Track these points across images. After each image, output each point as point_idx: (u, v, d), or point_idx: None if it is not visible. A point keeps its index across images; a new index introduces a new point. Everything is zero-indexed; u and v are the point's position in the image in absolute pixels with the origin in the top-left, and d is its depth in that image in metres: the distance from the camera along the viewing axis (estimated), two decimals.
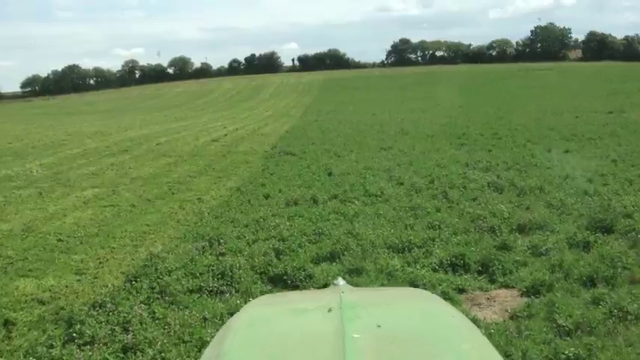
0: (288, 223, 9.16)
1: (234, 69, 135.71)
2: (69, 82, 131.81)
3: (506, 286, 6.68)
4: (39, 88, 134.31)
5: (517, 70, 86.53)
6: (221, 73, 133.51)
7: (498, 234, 8.32)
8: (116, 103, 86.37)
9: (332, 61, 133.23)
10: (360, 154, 17.30)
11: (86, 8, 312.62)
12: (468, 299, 6.41)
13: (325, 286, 5.49)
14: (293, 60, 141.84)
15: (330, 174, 13.77)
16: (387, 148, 18.43)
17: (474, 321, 4.89)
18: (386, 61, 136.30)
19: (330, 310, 2.09)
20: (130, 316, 5.94)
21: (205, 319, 5.85)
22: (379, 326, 1.95)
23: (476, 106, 39.92)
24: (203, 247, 8.22)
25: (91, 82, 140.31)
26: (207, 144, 22.79)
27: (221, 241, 8.46)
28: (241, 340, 2.06)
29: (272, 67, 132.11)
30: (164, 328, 5.66)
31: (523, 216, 9.03)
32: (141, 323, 5.79)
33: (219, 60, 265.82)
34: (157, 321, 5.87)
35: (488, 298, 6.41)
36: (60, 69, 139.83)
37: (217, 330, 2.97)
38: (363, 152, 17.80)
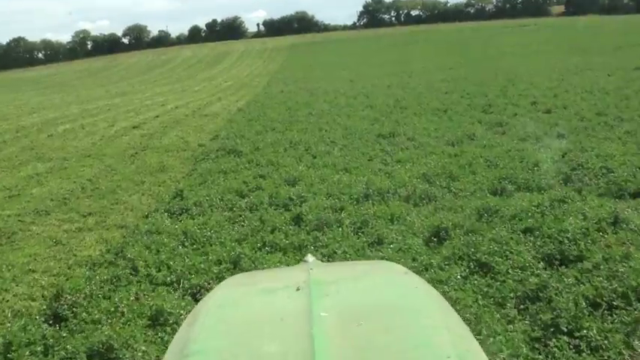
0: None
1: (194, 37, 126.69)
2: (14, 56, 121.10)
3: None
4: None
5: (502, 27, 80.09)
6: (180, 41, 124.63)
7: None
8: (62, 77, 77.76)
9: (300, 24, 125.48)
10: (347, 151, 10.31)
11: None
12: None
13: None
14: (258, 25, 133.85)
15: (297, 218, 6.29)
16: (389, 135, 11.38)
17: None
18: (358, 23, 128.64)
19: (298, 289, 2.02)
20: None
21: None
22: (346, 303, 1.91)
23: (470, 67, 33.43)
24: None
25: (40, 55, 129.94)
26: (121, 133, 15.59)
27: None
28: (210, 322, 1.97)
29: (236, 34, 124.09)
30: None
31: None
32: None
33: (179, 28, 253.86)
34: None
35: None
36: (4, 42, 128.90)
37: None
38: (353, 145, 10.78)
